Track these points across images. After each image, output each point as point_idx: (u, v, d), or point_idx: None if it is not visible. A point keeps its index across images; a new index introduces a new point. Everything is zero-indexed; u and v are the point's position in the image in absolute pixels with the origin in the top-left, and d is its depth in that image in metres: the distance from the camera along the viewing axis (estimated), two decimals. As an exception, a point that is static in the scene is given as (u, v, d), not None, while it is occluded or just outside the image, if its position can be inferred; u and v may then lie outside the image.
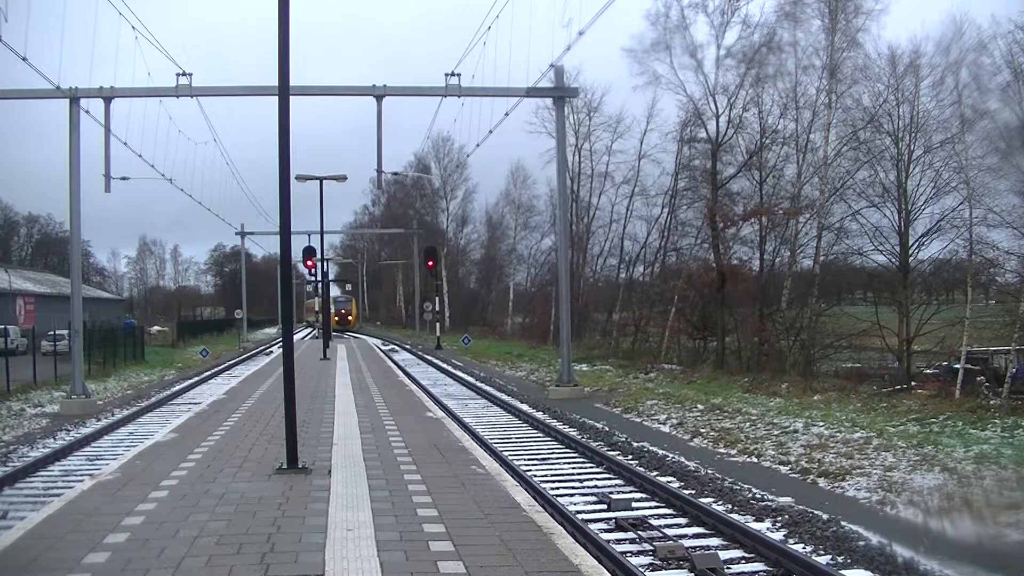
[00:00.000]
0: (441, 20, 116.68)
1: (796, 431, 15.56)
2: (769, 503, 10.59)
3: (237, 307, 68.79)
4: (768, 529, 9.52)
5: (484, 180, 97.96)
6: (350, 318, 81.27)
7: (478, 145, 26.60)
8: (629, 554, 8.55)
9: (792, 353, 29.14)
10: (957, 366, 24.91)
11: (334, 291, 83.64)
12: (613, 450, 14.87)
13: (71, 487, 9.67)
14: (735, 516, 9.96)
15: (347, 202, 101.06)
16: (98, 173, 23.50)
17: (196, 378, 30.71)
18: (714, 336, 33.14)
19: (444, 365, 35.52)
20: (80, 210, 23.46)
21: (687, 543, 8.93)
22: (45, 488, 12.32)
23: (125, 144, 23.44)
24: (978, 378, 24.01)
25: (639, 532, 9.42)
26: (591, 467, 13.60)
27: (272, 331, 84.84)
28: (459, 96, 23.89)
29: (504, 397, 23.53)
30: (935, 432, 14.59)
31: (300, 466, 8.98)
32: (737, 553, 8.72)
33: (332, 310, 70.43)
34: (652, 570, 8.21)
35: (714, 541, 9.19)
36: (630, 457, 14.12)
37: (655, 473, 12.66)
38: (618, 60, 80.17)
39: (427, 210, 75.01)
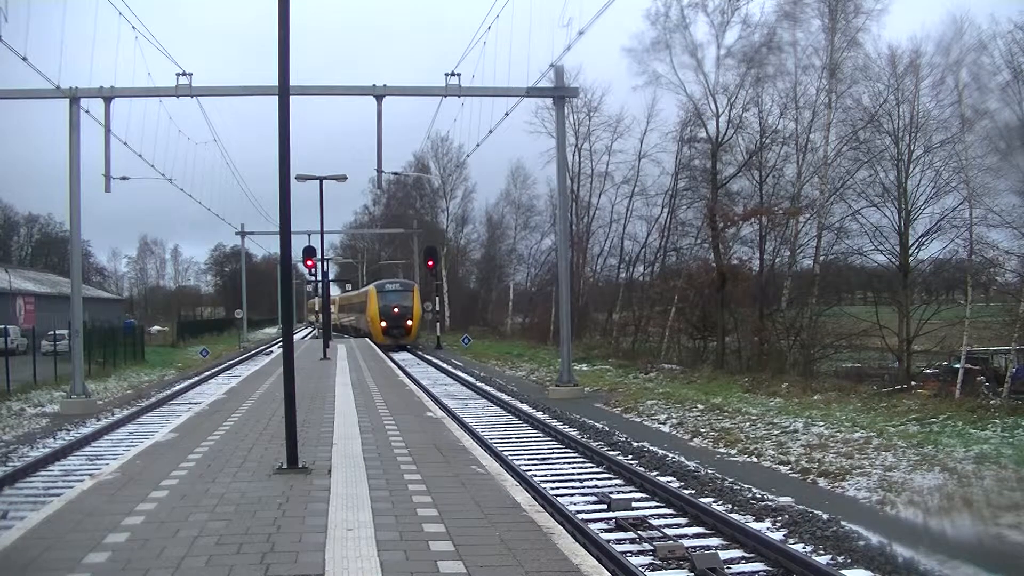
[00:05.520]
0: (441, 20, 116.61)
1: (796, 431, 15.56)
2: (769, 503, 10.59)
3: (237, 307, 68.52)
4: (768, 529, 9.52)
5: (484, 180, 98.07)
6: (410, 323, 48.14)
7: (478, 145, 26.62)
8: (629, 554, 8.55)
9: (792, 353, 29.13)
10: (957, 366, 24.92)
11: (382, 280, 58.06)
12: (613, 450, 14.87)
13: (71, 487, 9.67)
14: (735, 516, 9.96)
15: (347, 202, 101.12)
16: (98, 173, 23.57)
17: (196, 378, 30.71)
18: (714, 336, 33.13)
19: (444, 365, 35.51)
20: (80, 210, 23.45)
21: (687, 543, 8.93)
22: (45, 488, 12.32)
23: (125, 144, 23.50)
24: (978, 378, 24.04)
25: (639, 532, 9.42)
26: (591, 467, 13.60)
27: (272, 331, 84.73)
28: (459, 96, 23.88)
29: (504, 397, 23.52)
30: (935, 432, 14.59)
31: (300, 466, 8.98)
32: (737, 553, 8.72)
33: (379, 306, 48.19)
34: (652, 570, 8.21)
35: (714, 541, 9.18)
36: (630, 457, 14.12)
37: (655, 473, 12.66)
38: (618, 60, 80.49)
39: (427, 210, 74.94)
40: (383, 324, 47.09)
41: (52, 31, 20.42)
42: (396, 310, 47.52)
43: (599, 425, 17.92)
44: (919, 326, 26.37)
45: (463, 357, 40.61)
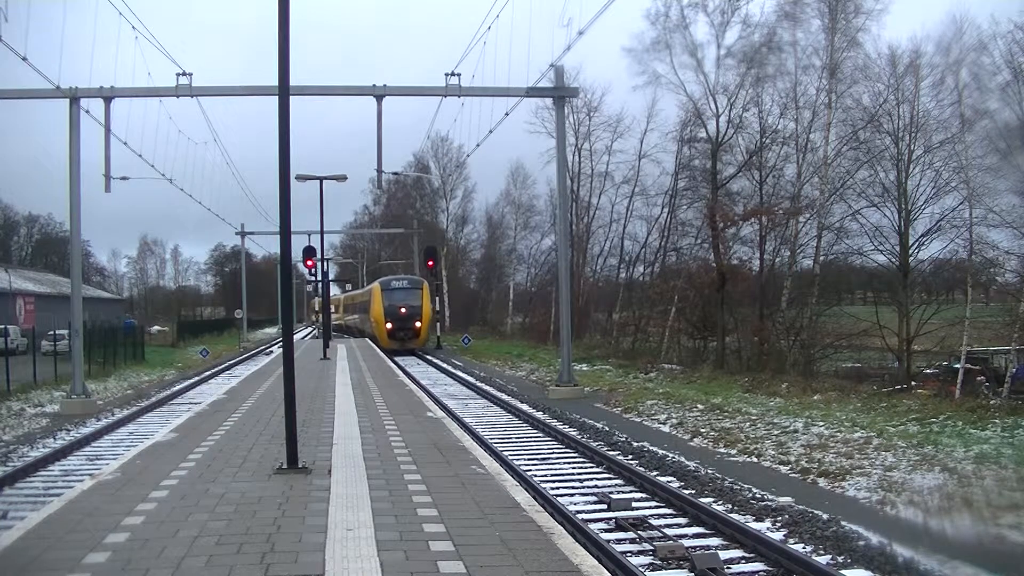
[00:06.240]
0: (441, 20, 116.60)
1: (796, 431, 15.56)
2: (769, 503, 10.59)
3: (237, 307, 68.53)
4: (768, 529, 9.52)
5: (484, 180, 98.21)
6: (419, 324, 43.18)
7: (478, 145, 26.62)
8: (629, 554, 8.55)
9: (792, 353, 29.15)
10: (957, 366, 24.94)
11: (388, 276, 52.96)
12: (613, 450, 14.87)
13: (71, 487, 9.66)
14: (735, 516, 9.96)
15: (347, 202, 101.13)
16: (98, 173, 23.60)
17: (196, 378, 30.71)
18: (714, 336, 33.15)
19: (444, 365, 35.51)
20: (80, 210, 23.46)
21: (687, 543, 8.94)
22: (45, 488, 12.33)
23: (125, 144, 23.51)
24: (978, 378, 24.07)
25: (639, 532, 9.42)
26: (591, 467, 13.60)
27: (272, 331, 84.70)
28: (459, 96, 23.88)
29: (504, 397, 23.52)
30: (935, 432, 14.59)
31: (300, 466, 8.97)
32: (737, 553, 8.72)
33: (384, 306, 43.40)
34: (652, 570, 8.21)
35: (714, 541, 9.19)
36: (630, 457, 14.12)
37: (655, 473, 12.66)
38: (618, 60, 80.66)
39: (427, 210, 74.91)
40: (388, 326, 42.59)
41: (52, 31, 20.46)
42: (403, 310, 42.70)
43: (599, 425, 17.92)
44: (919, 326, 26.39)
45: (463, 357, 40.60)
